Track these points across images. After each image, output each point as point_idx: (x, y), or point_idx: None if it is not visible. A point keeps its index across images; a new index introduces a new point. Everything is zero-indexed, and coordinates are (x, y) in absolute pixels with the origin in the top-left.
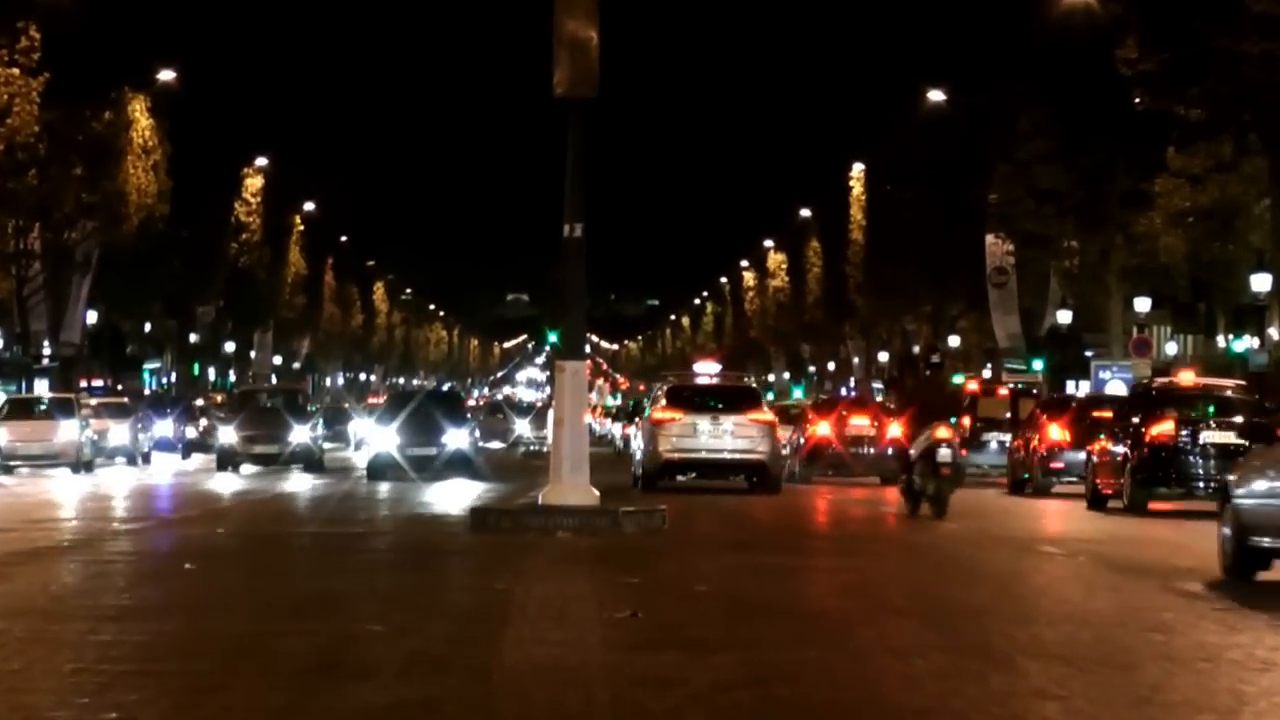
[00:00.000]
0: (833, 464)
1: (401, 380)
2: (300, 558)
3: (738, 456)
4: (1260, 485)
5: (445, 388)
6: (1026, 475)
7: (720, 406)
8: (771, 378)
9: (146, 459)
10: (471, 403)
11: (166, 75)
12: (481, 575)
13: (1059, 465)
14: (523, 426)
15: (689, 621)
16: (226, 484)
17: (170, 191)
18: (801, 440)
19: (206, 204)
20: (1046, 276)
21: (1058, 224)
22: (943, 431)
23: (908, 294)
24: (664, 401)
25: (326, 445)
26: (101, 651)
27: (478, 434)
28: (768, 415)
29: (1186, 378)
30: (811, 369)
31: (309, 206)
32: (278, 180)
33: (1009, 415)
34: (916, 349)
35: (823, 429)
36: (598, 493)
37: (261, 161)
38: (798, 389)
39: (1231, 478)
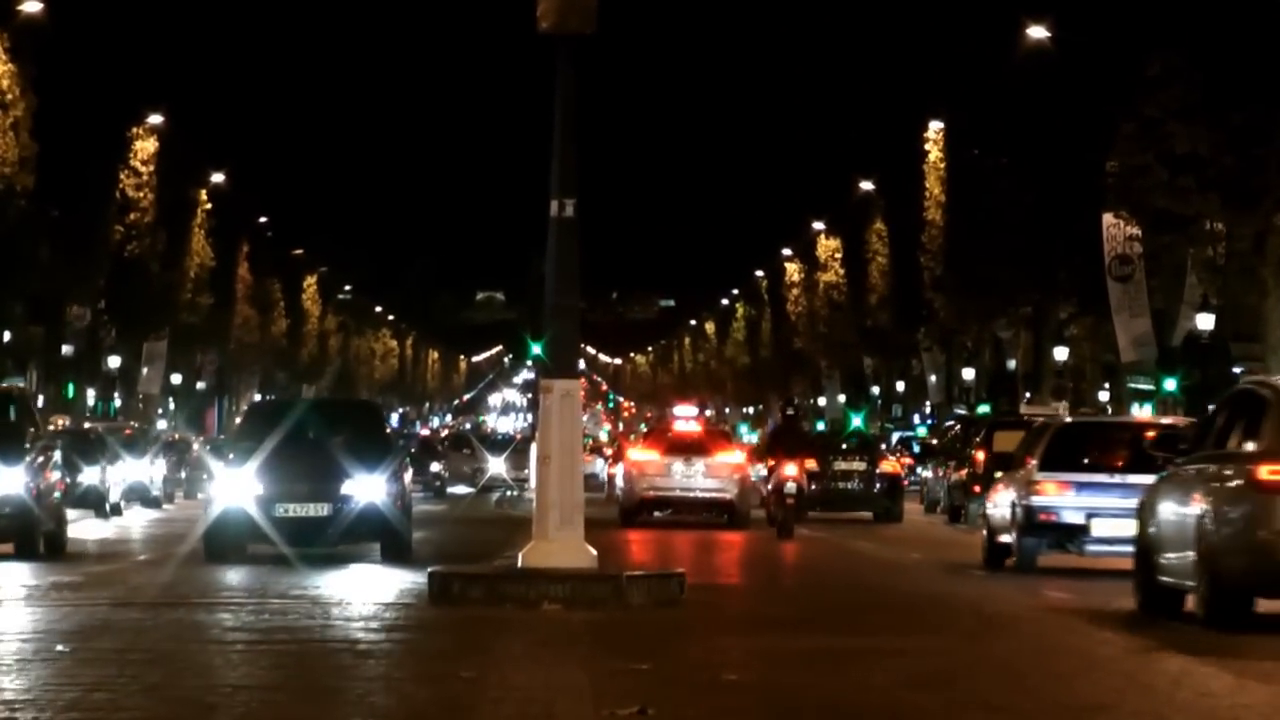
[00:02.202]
0: (817, 502)
1: None
2: (192, 641)
3: (709, 495)
4: (1000, 498)
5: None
6: None
7: (693, 448)
8: (823, 401)
9: None
10: (426, 433)
11: (30, 7)
12: (443, 661)
13: None
14: (497, 465)
15: None
16: None
17: (35, 158)
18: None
19: (83, 175)
20: (1183, 269)
21: (1198, 200)
22: (789, 469)
23: (1000, 292)
24: (642, 443)
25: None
26: None
27: (409, 479)
28: (737, 457)
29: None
30: (875, 390)
31: (217, 178)
32: (176, 144)
33: None
34: (1013, 363)
35: (789, 470)
36: (594, 552)
37: (155, 120)
38: (856, 416)
39: (988, 494)
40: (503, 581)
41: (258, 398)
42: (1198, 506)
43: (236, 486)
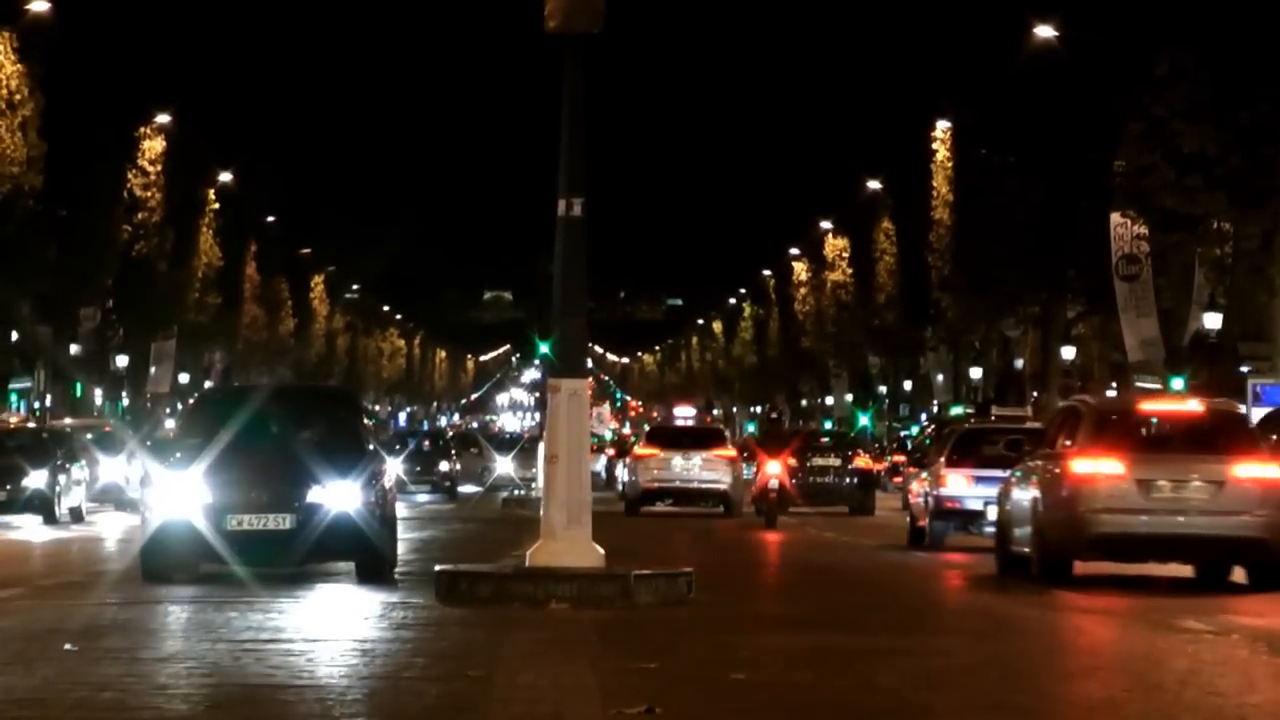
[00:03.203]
0: (803, 496)
1: None
2: (200, 640)
3: (706, 486)
4: (917, 489)
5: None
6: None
7: (692, 444)
8: (830, 400)
9: None
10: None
11: (38, 6)
12: (450, 660)
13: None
14: (504, 464)
15: None
16: None
17: (43, 158)
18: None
19: (91, 174)
20: (1191, 268)
21: (1206, 199)
22: (770, 468)
23: (1008, 291)
24: (645, 439)
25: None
26: None
27: (391, 483)
28: (731, 451)
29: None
30: (882, 389)
31: (225, 178)
32: (184, 144)
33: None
34: (1021, 363)
35: (772, 467)
36: (602, 551)
37: (163, 119)
38: (864, 415)
39: (910, 486)
40: (510, 580)
41: None
42: (1033, 492)
43: (180, 493)
